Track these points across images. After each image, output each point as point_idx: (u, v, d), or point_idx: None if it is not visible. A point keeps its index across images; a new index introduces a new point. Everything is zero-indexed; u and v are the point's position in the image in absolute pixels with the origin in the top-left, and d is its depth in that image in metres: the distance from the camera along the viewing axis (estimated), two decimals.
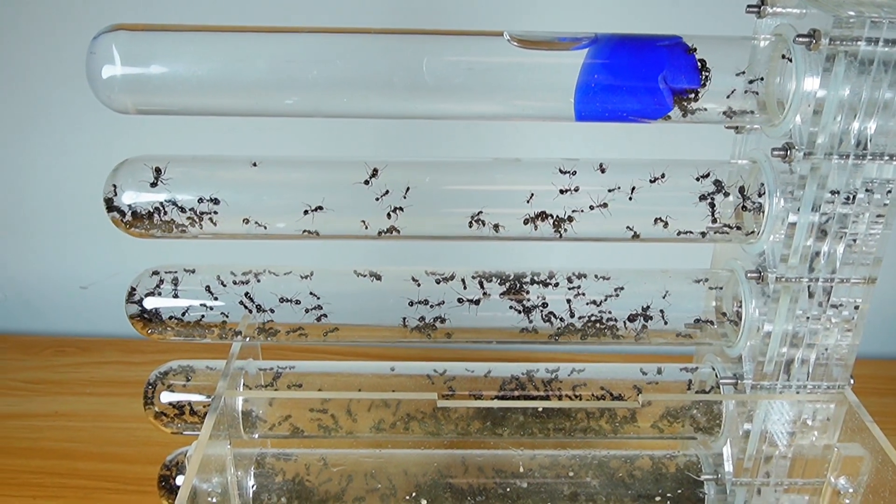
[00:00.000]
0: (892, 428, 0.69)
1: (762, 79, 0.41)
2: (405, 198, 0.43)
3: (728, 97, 0.42)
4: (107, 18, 0.43)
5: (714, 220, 0.44)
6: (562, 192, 0.44)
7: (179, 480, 0.50)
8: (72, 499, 0.62)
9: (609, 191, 0.43)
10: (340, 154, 0.46)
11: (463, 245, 0.60)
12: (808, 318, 0.43)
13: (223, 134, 0.73)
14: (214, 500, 0.44)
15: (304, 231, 0.43)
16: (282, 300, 0.46)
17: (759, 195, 0.44)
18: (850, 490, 0.44)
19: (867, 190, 0.40)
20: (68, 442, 0.67)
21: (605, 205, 0.44)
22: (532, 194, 0.44)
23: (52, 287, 0.82)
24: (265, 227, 0.44)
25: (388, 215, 0.43)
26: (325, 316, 0.47)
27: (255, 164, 0.45)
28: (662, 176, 0.43)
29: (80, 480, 0.64)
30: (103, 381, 0.75)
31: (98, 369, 0.76)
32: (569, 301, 0.47)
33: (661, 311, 0.47)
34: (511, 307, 0.47)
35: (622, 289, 0.47)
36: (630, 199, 0.44)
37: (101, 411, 0.71)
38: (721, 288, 0.47)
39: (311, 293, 0.46)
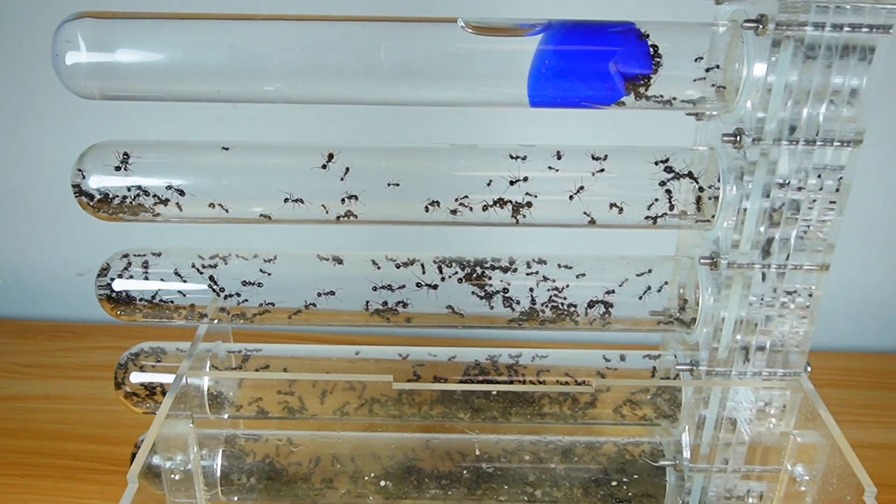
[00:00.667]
0: (872, 420, 0.69)
1: (718, 66, 0.42)
2: (362, 182, 0.44)
3: (684, 83, 0.42)
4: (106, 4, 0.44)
5: (671, 207, 0.44)
6: (511, 183, 0.44)
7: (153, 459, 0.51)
8: (59, 478, 0.63)
9: (554, 169, 0.44)
10: (314, 140, 0.47)
11: (449, 234, 0.61)
12: (762, 304, 0.43)
13: (210, 123, 0.74)
14: (177, 476, 0.45)
15: (261, 215, 0.44)
16: (245, 283, 0.47)
17: (719, 181, 0.44)
18: (807, 478, 0.44)
19: (818, 176, 0.40)
20: (58, 423, 0.69)
21: (577, 188, 0.44)
22: (490, 181, 0.44)
23: (49, 274, 0.84)
24: (227, 211, 0.45)
25: (343, 200, 0.44)
26: (290, 299, 0.48)
27: (225, 149, 0.46)
28: (605, 157, 0.43)
29: (68, 461, 0.65)
30: (95, 365, 0.76)
31: (91, 354, 0.78)
32: (531, 289, 0.47)
33: (645, 290, 0.47)
34: (473, 293, 0.47)
35: (583, 275, 0.47)
36: (585, 185, 0.44)
37: (91, 394, 0.72)
38: (663, 281, 0.47)
39: (273, 276, 0.47)
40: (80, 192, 0.45)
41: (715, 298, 0.44)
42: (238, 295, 0.48)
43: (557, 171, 0.44)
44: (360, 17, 0.43)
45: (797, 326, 0.44)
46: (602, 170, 0.44)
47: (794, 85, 0.38)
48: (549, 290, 0.47)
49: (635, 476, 0.49)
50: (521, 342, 0.73)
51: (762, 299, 0.43)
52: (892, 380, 0.75)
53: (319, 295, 0.47)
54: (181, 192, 0.45)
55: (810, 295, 0.43)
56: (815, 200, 0.41)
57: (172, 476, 0.45)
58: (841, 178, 0.41)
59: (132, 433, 0.67)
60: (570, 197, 0.44)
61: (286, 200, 0.45)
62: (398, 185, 0.44)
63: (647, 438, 0.52)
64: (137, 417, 0.55)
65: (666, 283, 0.47)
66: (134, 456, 0.51)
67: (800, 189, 0.41)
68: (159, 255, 0.48)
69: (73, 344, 0.80)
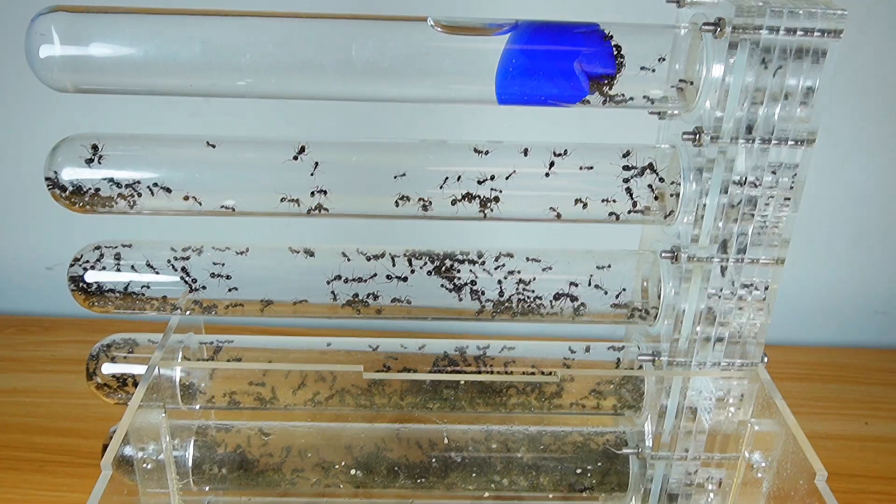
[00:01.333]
0: (830, 412, 0.71)
1: (666, 65, 0.43)
2: (333, 177, 0.45)
3: (646, 83, 0.43)
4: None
5: (634, 203, 0.46)
6: (479, 182, 0.45)
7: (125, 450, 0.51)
8: (27, 471, 0.63)
9: (520, 165, 0.45)
10: (287, 135, 0.48)
11: (419, 228, 0.61)
12: (720, 297, 0.45)
13: (184, 118, 0.74)
14: (149, 466, 0.46)
15: (226, 207, 0.45)
16: (217, 275, 0.48)
17: (680, 178, 0.45)
18: (764, 464, 0.46)
19: (773, 173, 0.42)
20: (25, 417, 0.69)
21: (549, 164, 0.45)
22: (459, 176, 0.46)
23: (17, 268, 0.84)
24: (200, 204, 0.46)
25: (313, 194, 0.45)
26: (262, 291, 0.48)
27: (210, 145, 0.46)
28: (565, 152, 0.45)
29: (36, 454, 0.65)
30: (63, 359, 0.76)
31: (59, 348, 0.78)
32: (499, 282, 0.49)
33: (599, 286, 0.49)
34: (442, 285, 0.49)
35: (549, 268, 0.49)
36: (551, 179, 0.45)
37: (59, 388, 0.72)
38: (627, 275, 0.49)
39: (246, 268, 0.48)
40: (53, 184, 0.46)
41: (676, 291, 0.46)
42: (209, 287, 0.48)
43: (524, 167, 0.46)
44: (333, 15, 0.44)
45: (754, 318, 0.46)
46: (574, 167, 0.46)
47: (751, 86, 0.40)
48: (516, 282, 0.48)
49: (599, 464, 0.51)
50: (490, 335, 0.75)
51: (721, 292, 0.45)
52: (850, 373, 0.78)
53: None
54: (154, 185, 0.45)
55: (766, 288, 0.45)
56: (770, 197, 0.43)
57: (145, 465, 0.46)
58: (795, 175, 0.42)
59: (101, 426, 0.67)
60: (546, 174, 0.45)
61: (282, 200, 0.45)
62: (367, 179, 0.45)
63: (611, 428, 0.54)
64: (106, 410, 0.56)
65: (629, 276, 0.49)
66: (105, 447, 0.51)
67: (756, 186, 0.42)
68: (131, 246, 0.49)
69: (41, 338, 0.80)
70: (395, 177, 0.45)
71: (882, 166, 0.75)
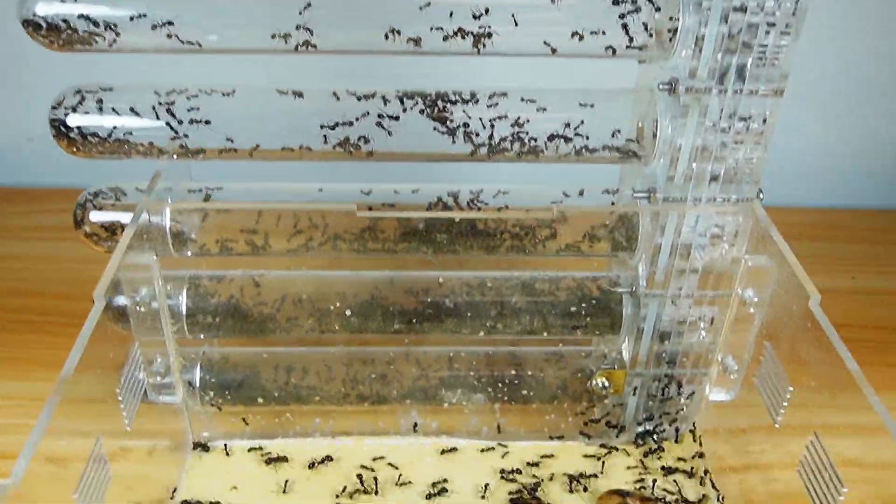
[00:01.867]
0: (820, 268, 0.72)
1: None
2: (321, 11, 0.43)
3: None
4: None
5: (630, 37, 0.44)
6: (475, 16, 0.44)
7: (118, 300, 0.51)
8: (23, 332, 0.63)
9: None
10: None
11: (410, 68, 0.59)
12: (717, 130, 0.44)
13: None
14: (143, 308, 0.46)
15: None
16: (200, 121, 0.47)
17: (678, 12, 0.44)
18: (756, 300, 0.46)
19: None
20: (18, 282, 0.69)
21: (529, 8, 0.44)
22: (451, 12, 0.44)
23: None
24: (182, 42, 0.44)
25: (298, 28, 0.43)
26: (250, 134, 0.47)
27: None
28: None
29: (31, 315, 0.65)
30: (52, 226, 0.76)
31: (45, 217, 0.77)
32: (491, 122, 0.47)
33: (594, 126, 0.48)
34: (435, 128, 0.47)
35: (544, 109, 0.48)
36: (545, 12, 0.44)
37: (49, 254, 0.72)
38: (623, 113, 0.48)
39: (233, 111, 0.47)
40: (27, 23, 0.44)
41: (672, 127, 0.45)
42: (196, 131, 0.47)
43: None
44: None
45: (751, 153, 0.45)
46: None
47: None
48: (510, 123, 0.47)
49: (594, 301, 0.51)
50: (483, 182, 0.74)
51: (718, 124, 0.44)
52: (837, 233, 0.79)
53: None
54: (132, 19, 0.43)
55: (764, 121, 0.44)
56: (771, 25, 0.42)
57: (138, 309, 0.46)
58: (798, 1, 0.41)
59: (94, 289, 0.67)
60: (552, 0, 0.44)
61: (273, 36, 0.44)
62: (355, 14, 0.43)
63: (605, 273, 0.54)
64: (99, 274, 0.55)
65: (625, 116, 0.48)
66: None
67: (757, 14, 0.41)
68: (112, 90, 0.47)
69: (27, 208, 0.79)
70: (421, 7, 0.43)
71: (871, 34, 0.74)
